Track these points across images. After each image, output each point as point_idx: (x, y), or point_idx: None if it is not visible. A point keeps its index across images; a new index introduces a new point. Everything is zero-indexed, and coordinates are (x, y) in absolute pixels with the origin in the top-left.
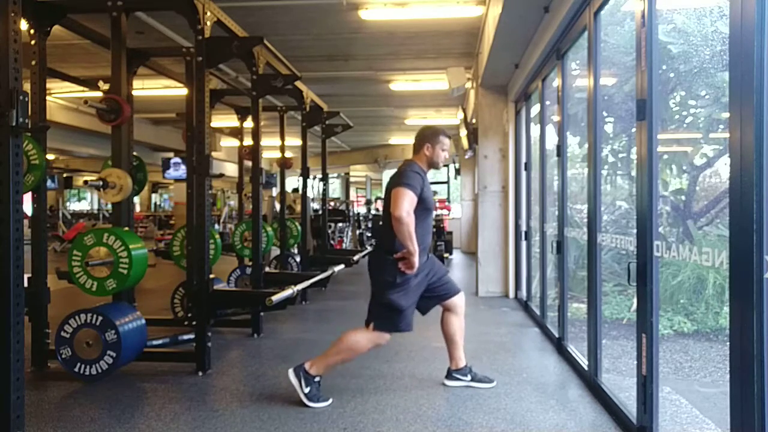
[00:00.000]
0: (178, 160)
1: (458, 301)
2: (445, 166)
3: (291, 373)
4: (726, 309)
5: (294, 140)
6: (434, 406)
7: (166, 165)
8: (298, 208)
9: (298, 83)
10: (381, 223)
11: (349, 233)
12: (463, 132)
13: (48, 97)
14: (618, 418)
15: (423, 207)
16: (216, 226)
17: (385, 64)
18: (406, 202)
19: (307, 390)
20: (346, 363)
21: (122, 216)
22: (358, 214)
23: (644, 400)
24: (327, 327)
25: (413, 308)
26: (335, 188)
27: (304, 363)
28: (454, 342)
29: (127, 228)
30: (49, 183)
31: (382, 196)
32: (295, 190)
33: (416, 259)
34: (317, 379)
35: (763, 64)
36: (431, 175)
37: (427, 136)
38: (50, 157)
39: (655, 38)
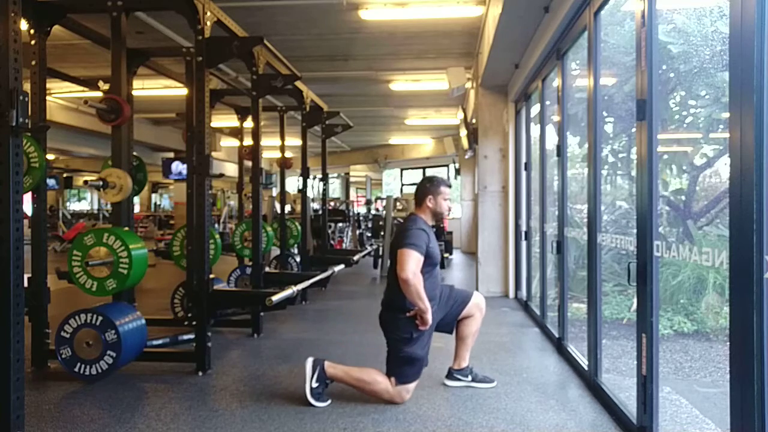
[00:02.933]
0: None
1: (474, 300)
2: (444, 165)
3: (310, 361)
4: (726, 309)
5: (294, 140)
6: (434, 406)
7: (166, 166)
8: (297, 208)
9: (298, 83)
10: (387, 281)
11: (349, 233)
12: (463, 132)
13: (48, 97)
14: (618, 418)
15: (429, 263)
16: (216, 226)
17: (385, 64)
18: (412, 263)
19: (315, 385)
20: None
21: (122, 216)
22: (358, 214)
23: (644, 400)
24: (327, 327)
25: (429, 348)
26: (335, 188)
27: (326, 360)
28: (465, 343)
29: (127, 228)
30: (49, 183)
31: (388, 254)
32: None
33: (429, 316)
34: (329, 381)
35: (763, 64)
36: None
37: (428, 189)
38: (50, 157)
39: (655, 38)
